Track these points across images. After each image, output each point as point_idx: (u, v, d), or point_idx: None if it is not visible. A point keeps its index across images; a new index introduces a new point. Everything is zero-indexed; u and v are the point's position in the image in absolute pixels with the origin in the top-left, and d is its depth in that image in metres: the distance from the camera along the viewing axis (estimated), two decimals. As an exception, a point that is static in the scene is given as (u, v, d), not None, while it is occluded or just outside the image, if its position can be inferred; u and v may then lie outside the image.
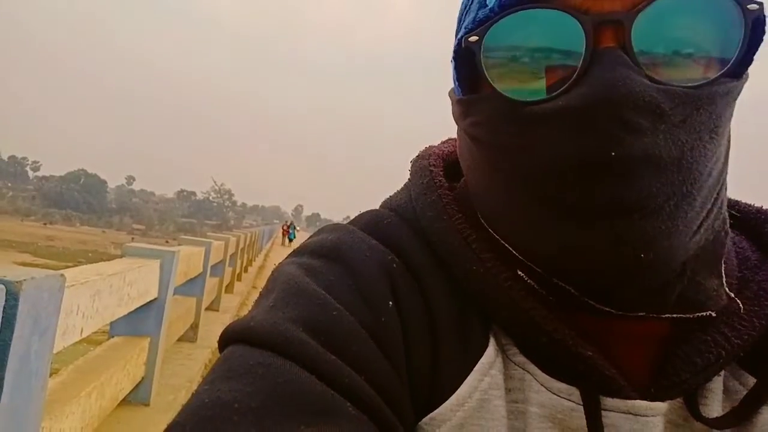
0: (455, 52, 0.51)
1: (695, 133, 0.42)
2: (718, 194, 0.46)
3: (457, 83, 0.54)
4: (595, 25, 0.42)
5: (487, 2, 0.47)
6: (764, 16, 0.43)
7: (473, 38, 0.47)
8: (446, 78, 0.57)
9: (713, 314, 0.47)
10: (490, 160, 0.49)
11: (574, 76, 0.42)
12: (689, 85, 0.42)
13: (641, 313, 0.46)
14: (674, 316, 0.46)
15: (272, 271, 0.52)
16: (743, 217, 0.56)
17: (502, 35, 0.46)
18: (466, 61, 0.49)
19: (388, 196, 0.62)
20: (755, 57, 0.45)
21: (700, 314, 0.46)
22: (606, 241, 0.42)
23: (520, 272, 0.49)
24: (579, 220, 0.43)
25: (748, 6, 0.42)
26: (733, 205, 0.57)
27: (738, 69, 0.44)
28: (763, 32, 0.44)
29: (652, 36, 0.42)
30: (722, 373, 0.48)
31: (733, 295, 0.48)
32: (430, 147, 0.63)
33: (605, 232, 0.42)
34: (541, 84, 0.45)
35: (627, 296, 0.45)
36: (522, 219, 0.47)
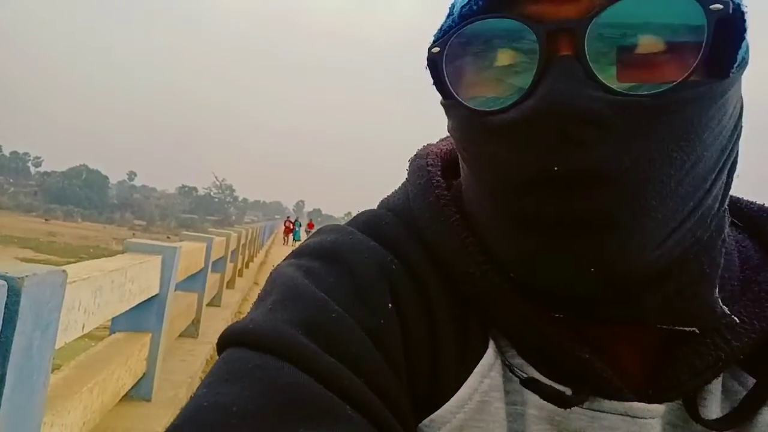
0: (427, 60, 0.51)
1: (655, 143, 0.40)
2: (700, 201, 0.44)
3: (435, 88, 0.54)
4: (549, 33, 0.41)
5: (452, 12, 0.48)
6: (737, 12, 0.42)
7: (435, 49, 0.47)
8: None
9: (697, 331, 0.46)
10: (466, 163, 0.50)
11: (528, 87, 0.42)
12: (647, 93, 0.40)
13: (622, 323, 0.45)
14: (660, 327, 0.46)
15: (270, 273, 0.51)
16: (745, 215, 0.56)
17: (462, 45, 0.46)
18: (435, 70, 0.50)
19: (385, 196, 0.62)
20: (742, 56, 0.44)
21: (684, 329, 0.46)
22: (557, 254, 0.42)
23: (512, 275, 0.48)
24: (532, 232, 0.43)
25: (711, 6, 0.40)
26: (735, 202, 0.56)
27: (715, 69, 0.43)
28: (744, 29, 0.43)
29: (607, 42, 0.41)
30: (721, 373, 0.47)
31: (727, 311, 0.46)
32: (428, 145, 0.63)
33: (556, 246, 0.42)
34: (499, 94, 0.45)
35: (598, 307, 0.45)
36: (492, 225, 0.48)
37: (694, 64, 0.41)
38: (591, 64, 0.40)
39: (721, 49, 0.42)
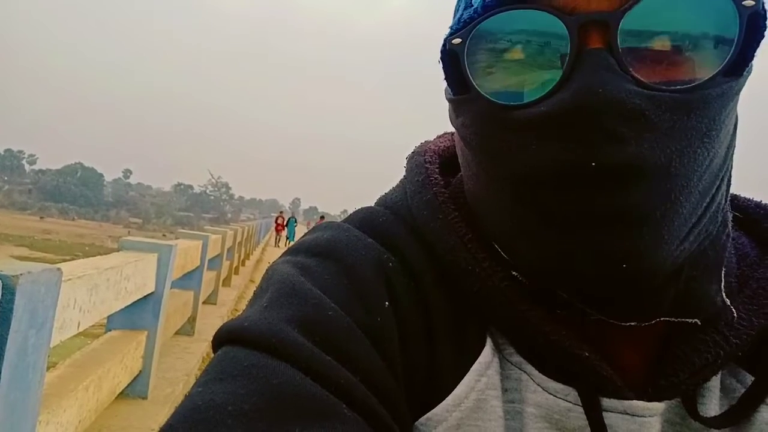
0: (441, 52, 0.49)
1: (685, 140, 0.40)
2: (712, 197, 0.44)
3: (446, 83, 0.52)
4: (581, 25, 0.40)
5: (473, 2, 0.46)
6: (764, 11, 0.41)
7: (456, 40, 0.46)
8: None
9: (698, 322, 0.46)
10: (477, 161, 0.48)
11: (558, 80, 0.41)
12: (680, 87, 0.40)
13: (632, 323, 0.45)
14: (663, 319, 0.45)
15: (266, 270, 0.51)
16: (742, 212, 0.55)
17: (485, 37, 0.45)
18: (452, 63, 0.48)
19: (383, 193, 0.61)
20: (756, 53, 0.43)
21: (687, 320, 0.46)
22: (587, 250, 0.41)
23: (514, 273, 0.48)
24: (560, 228, 0.42)
25: (744, 2, 0.40)
26: (732, 199, 0.55)
27: (736, 67, 0.42)
28: (765, 27, 0.42)
29: (639, 36, 0.40)
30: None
31: (729, 303, 0.47)
32: (426, 142, 0.63)
33: (586, 242, 0.41)
34: (525, 87, 0.44)
35: (615, 304, 0.44)
36: (508, 222, 0.46)
37: (726, 61, 0.40)
38: (623, 58, 0.40)
39: (744, 46, 0.41)
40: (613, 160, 0.39)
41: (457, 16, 0.48)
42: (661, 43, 0.41)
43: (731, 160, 0.46)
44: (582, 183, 0.40)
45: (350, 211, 0.59)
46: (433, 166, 0.57)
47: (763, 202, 0.56)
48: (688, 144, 0.40)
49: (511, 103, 0.44)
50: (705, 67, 0.41)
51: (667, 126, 0.40)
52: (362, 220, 0.55)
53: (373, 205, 0.60)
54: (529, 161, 0.42)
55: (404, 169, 0.60)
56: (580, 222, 0.41)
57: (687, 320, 0.46)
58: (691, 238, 0.43)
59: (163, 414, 2.98)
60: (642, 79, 0.40)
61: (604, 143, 0.39)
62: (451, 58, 0.48)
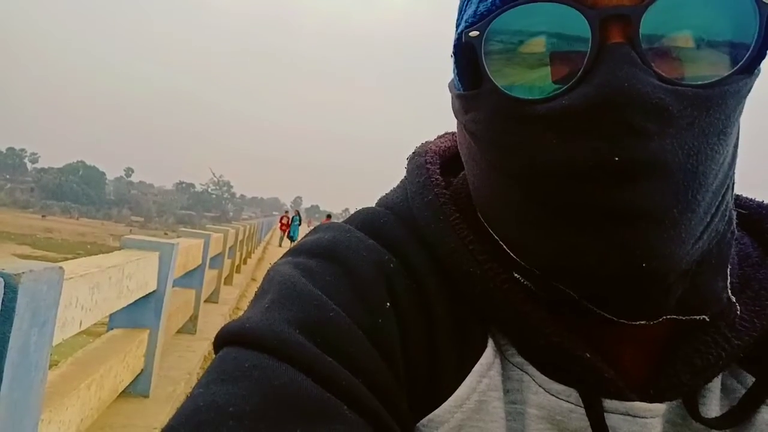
0: (455, 46, 0.49)
1: (703, 137, 0.40)
2: (723, 196, 0.44)
3: (457, 77, 0.52)
4: (602, 19, 0.40)
5: None
6: None
7: (474, 33, 0.45)
8: (445, 67, 0.55)
9: (707, 319, 0.46)
10: (488, 158, 0.48)
11: (579, 73, 0.40)
12: (700, 83, 0.40)
13: (641, 321, 0.45)
14: (668, 317, 0.45)
15: (267, 271, 0.51)
16: (744, 212, 0.55)
17: (504, 30, 0.44)
18: (467, 56, 0.48)
19: (384, 194, 0.61)
20: None
21: (693, 318, 0.45)
22: (607, 247, 0.40)
23: (516, 275, 0.48)
24: (579, 224, 0.41)
25: None
26: (734, 199, 0.55)
27: (751, 65, 0.42)
28: None
29: (661, 31, 0.40)
30: None
31: (734, 299, 0.46)
32: (427, 143, 0.62)
33: (606, 238, 0.40)
34: (545, 81, 0.43)
35: (626, 303, 0.44)
36: (520, 219, 0.46)
37: (745, 57, 0.41)
38: (645, 53, 0.40)
39: (762, 44, 0.41)
40: (637, 155, 0.39)
41: (473, 8, 0.47)
42: (682, 39, 0.41)
43: (736, 159, 0.46)
44: (603, 178, 0.39)
45: (352, 209, 0.59)
46: (434, 167, 0.57)
47: (765, 202, 0.56)
48: (706, 141, 0.40)
49: (530, 98, 0.43)
50: (724, 63, 0.41)
51: (688, 122, 0.40)
52: (363, 221, 0.55)
53: (374, 205, 0.60)
54: (549, 156, 0.42)
55: (405, 168, 0.60)
56: (599, 218, 0.40)
57: (694, 317, 0.45)
58: (704, 237, 0.43)
59: (165, 412, 2.99)
60: (663, 73, 0.40)
61: (627, 138, 0.39)
62: (466, 52, 0.47)
